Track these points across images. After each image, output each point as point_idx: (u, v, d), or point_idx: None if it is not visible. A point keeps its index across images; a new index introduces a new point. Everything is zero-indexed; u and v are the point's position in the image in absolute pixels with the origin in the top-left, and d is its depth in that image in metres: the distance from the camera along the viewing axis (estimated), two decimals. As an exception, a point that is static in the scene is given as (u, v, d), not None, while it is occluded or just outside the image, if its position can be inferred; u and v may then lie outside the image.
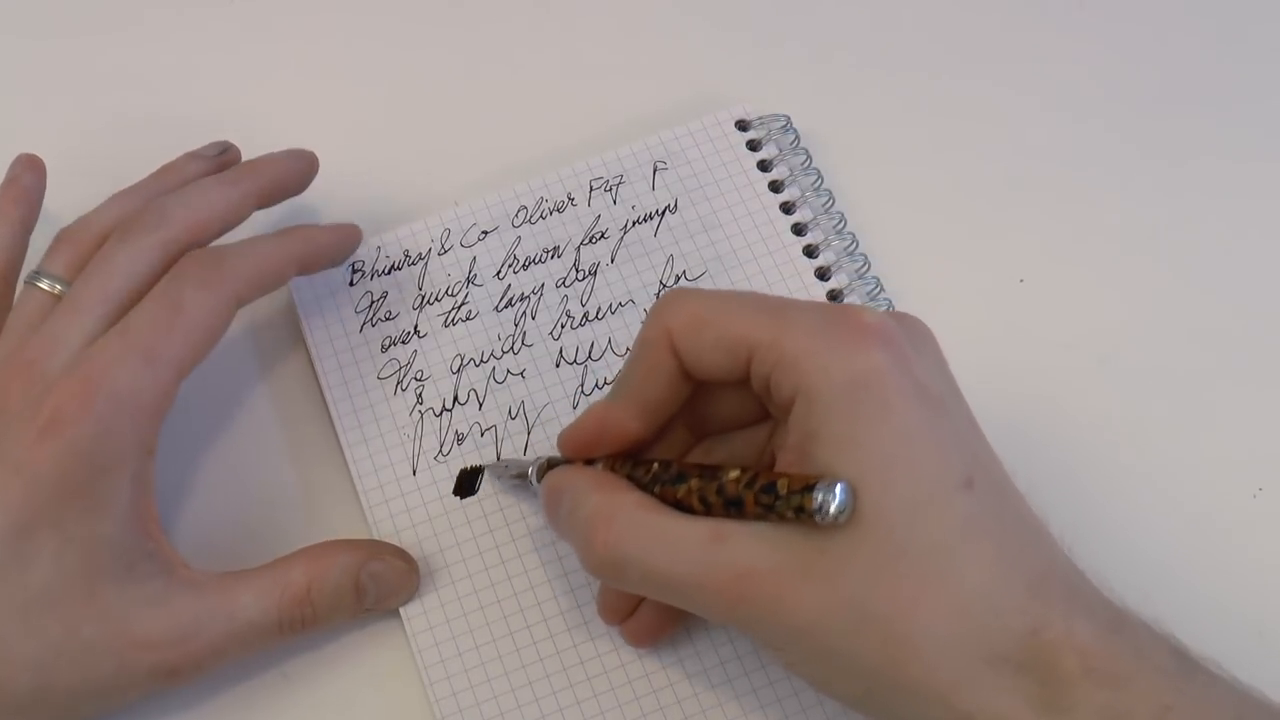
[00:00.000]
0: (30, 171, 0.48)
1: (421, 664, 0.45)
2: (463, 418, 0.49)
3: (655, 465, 0.40)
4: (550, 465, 0.44)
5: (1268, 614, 0.45)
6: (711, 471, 0.38)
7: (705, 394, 0.42)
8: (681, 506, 0.38)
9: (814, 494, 0.35)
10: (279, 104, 0.56)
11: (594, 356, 0.50)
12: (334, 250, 0.49)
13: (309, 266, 0.48)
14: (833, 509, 0.34)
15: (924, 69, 0.57)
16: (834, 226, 0.52)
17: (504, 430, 0.48)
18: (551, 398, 0.49)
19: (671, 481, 0.39)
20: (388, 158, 0.55)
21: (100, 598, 0.40)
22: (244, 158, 0.49)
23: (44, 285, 0.43)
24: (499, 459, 0.48)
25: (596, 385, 0.49)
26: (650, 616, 0.44)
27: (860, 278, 0.51)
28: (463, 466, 0.48)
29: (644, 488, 0.40)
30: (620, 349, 0.50)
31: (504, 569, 0.46)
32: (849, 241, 0.52)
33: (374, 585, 0.44)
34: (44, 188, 0.49)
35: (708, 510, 0.38)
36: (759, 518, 0.36)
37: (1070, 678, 0.34)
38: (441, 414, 0.49)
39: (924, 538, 0.35)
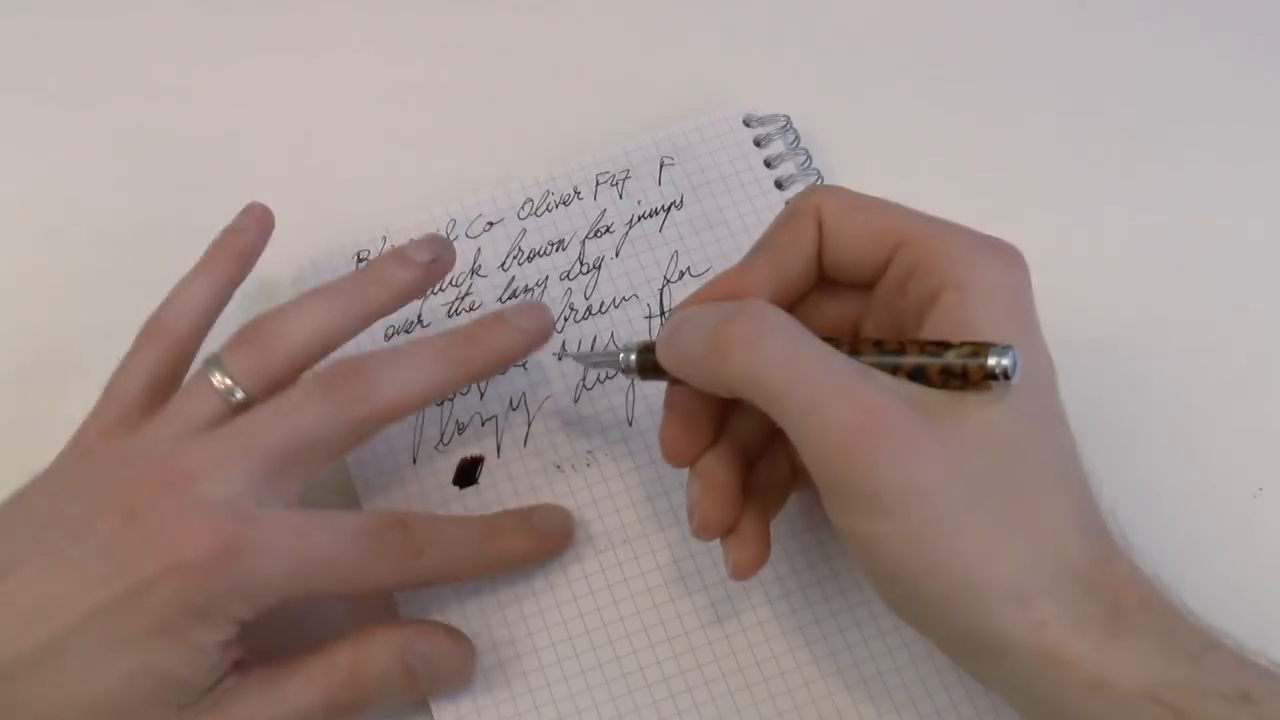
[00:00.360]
0: (256, 228, 0.46)
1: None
2: (464, 407, 0.49)
3: None
4: (645, 348, 0.42)
5: (1267, 613, 0.44)
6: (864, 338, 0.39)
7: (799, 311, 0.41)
8: None
9: (990, 351, 0.36)
10: (284, 98, 0.57)
11: (596, 350, 0.50)
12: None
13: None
14: (1005, 361, 0.36)
15: (924, 69, 0.57)
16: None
17: (505, 421, 0.49)
18: (553, 390, 0.49)
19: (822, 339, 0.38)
20: (395, 149, 0.55)
21: (158, 718, 0.39)
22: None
23: (221, 385, 0.41)
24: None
25: (598, 379, 0.49)
26: (752, 529, 0.41)
27: (863, 274, 0.51)
28: (463, 456, 0.48)
29: None
30: (622, 343, 0.50)
31: (501, 558, 0.46)
32: (852, 240, 0.52)
33: (425, 668, 0.42)
34: (263, 247, 0.46)
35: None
36: (917, 366, 0.37)
37: (1130, 606, 0.36)
38: (442, 403, 0.49)
39: (1043, 449, 0.37)
